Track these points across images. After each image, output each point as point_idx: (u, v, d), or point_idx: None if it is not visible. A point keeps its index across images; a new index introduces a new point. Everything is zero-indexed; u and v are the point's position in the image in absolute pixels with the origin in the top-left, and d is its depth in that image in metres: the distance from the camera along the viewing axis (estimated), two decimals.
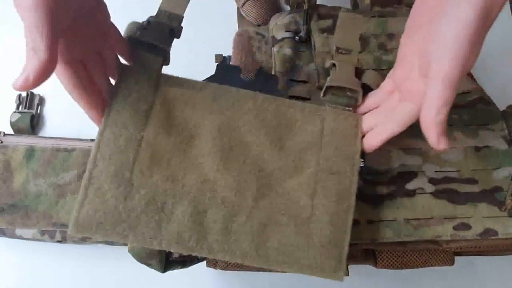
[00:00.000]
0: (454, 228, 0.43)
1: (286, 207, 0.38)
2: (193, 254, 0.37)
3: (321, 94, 0.42)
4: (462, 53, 0.32)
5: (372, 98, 0.42)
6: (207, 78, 0.46)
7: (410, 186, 0.45)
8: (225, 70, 0.48)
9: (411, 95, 0.37)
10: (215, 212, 0.37)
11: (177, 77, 0.40)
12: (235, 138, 0.39)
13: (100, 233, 0.36)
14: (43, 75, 0.29)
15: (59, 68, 0.34)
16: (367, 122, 0.41)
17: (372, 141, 0.40)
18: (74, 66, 0.35)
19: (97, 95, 0.37)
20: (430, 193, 0.45)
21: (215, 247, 0.37)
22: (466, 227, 0.43)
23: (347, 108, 0.41)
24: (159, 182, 0.37)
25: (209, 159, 0.38)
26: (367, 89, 0.43)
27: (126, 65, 0.39)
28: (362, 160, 0.45)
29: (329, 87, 0.42)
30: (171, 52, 0.42)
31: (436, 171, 0.46)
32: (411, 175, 0.45)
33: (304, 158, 0.39)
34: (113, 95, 0.38)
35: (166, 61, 0.41)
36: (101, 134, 0.37)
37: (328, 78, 0.42)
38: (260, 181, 0.38)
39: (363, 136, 0.41)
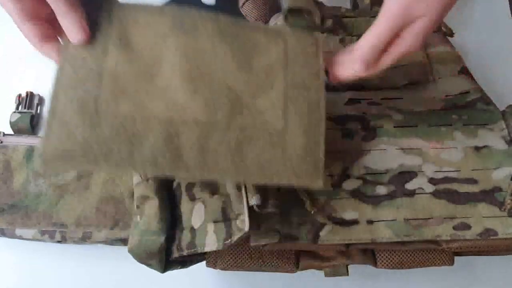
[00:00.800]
0: (454, 228, 0.43)
1: (260, 123, 0.39)
2: (168, 174, 0.37)
3: (283, 19, 0.43)
4: None
5: None
6: (165, 3, 0.45)
7: (409, 186, 0.45)
8: None
9: None
10: (188, 134, 0.37)
11: (132, 4, 0.39)
12: (200, 61, 0.39)
13: (70, 163, 0.35)
14: None
15: None
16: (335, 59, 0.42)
17: (338, 74, 0.42)
18: None
19: (49, 27, 0.37)
20: (430, 193, 0.45)
21: (192, 166, 0.37)
22: (466, 227, 0.43)
23: (306, 30, 0.42)
24: (127, 110, 0.36)
25: (177, 83, 0.38)
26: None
27: None
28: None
29: (289, 11, 0.42)
30: None
31: (435, 171, 0.46)
32: (411, 175, 0.45)
33: (272, 77, 0.40)
34: None
35: None
36: (60, 69, 0.37)
37: (285, 2, 0.43)
38: (231, 101, 0.38)
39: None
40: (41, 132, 0.62)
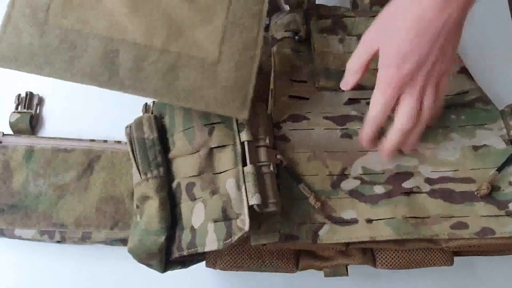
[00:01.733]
0: (451, 227, 0.44)
1: (195, 52, 0.41)
2: (104, 88, 0.40)
3: None
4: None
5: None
6: None
7: (406, 185, 0.45)
8: None
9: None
10: (126, 52, 0.40)
11: None
12: None
13: (16, 64, 0.40)
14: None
15: None
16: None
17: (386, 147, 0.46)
18: None
19: None
20: (426, 192, 0.45)
21: (126, 83, 0.40)
22: (463, 226, 0.44)
23: None
24: (72, 24, 0.40)
25: (122, 6, 0.41)
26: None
27: None
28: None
29: None
30: None
31: (432, 171, 0.46)
32: (407, 175, 0.46)
33: (213, 11, 0.42)
34: None
35: None
36: None
37: None
38: (169, 28, 0.41)
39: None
40: (41, 132, 0.62)
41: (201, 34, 0.42)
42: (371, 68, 0.54)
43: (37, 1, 0.41)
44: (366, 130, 0.45)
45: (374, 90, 0.44)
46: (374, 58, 0.44)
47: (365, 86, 0.53)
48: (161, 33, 0.41)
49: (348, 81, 0.47)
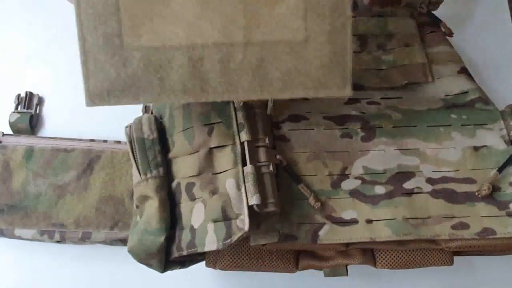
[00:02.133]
0: (452, 227, 0.44)
1: (279, 35, 0.37)
2: (197, 100, 0.38)
3: None
4: None
5: None
6: None
7: (407, 185, 0.45)
8: None
9: None
10: (210, 57, 0.38)
11: None
12: None
13: (113, 100, 0.38)
14: None
15: None
16: None
17: None
18: None
19: None
20: (428, 192, 0.45)
21: (219, 89, 0.38)
22: (464, 226, 0.43)
23: None
24: (149, 41, 0.38)
25: (190, 6, 0.37)
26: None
27: None
28: None
29: None
30: None
31: (433, 171, 0.46)
32: (409, 175, 0.46)
33: None
34: None
35: None
36: (78, 5, 0.38)
37: None
38: (246, 14, 0.37)
39: None
40: (41, 132, 0.62)
41: (280, 10, 0.37)
42: (371, 68, 0.54)
43: (107, 25, 0.38)
44: None
45: None
46: None
47: (365, 86, 0.53)
48: (239, 24, 0.37)
49: None
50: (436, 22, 0.58)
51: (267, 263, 0.46)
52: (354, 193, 0.45)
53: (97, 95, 0.38)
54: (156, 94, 0.38)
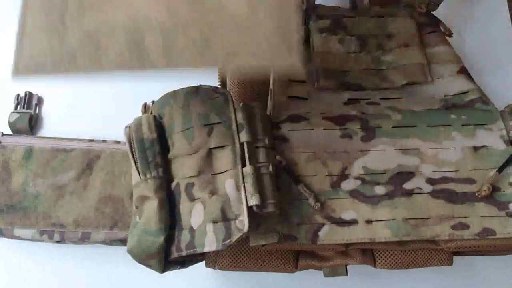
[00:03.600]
0: (452, 227, 0.44)
1: (224, 10, 0.37)
2: (134, 70, 0.38)
3: None
4: None
5: None
6: None
7: (407, 186, 0.45)
8: None
9: None
10: (153, 37, 0.37)
11: None
12: None
13: (40, 73, 0.38)
14: None
15: None
16: None
17: None
18: None
19: None
20: (428, 193, 0.45)
21: (159, 63, 0.37)
22: (464, 226, 0.44)
23: None
24: (92, 22, 0.38)
25: None
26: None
27: None
28: None
29: None
30: None
31: (433, 171, 0.46)
32: (409, 175, 0.45)
33: None
34: None
35: None
36: None
37: None
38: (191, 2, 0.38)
39: None
40: (40, 132, 0.62)
41: None
42: (370, 68, 0.54)
43: (51, 7, 0.38)
44: None
45: None
46: None
47: (365, 86, 0.53)
48: (184, 9, 0.37)
49: None
50: (436, 22, 0.58)
51: (266, 263, 0.46)
52: (354, 194, 0.45)
53: (26, 69, 0.38)
54: (90, 68, 0.38)
